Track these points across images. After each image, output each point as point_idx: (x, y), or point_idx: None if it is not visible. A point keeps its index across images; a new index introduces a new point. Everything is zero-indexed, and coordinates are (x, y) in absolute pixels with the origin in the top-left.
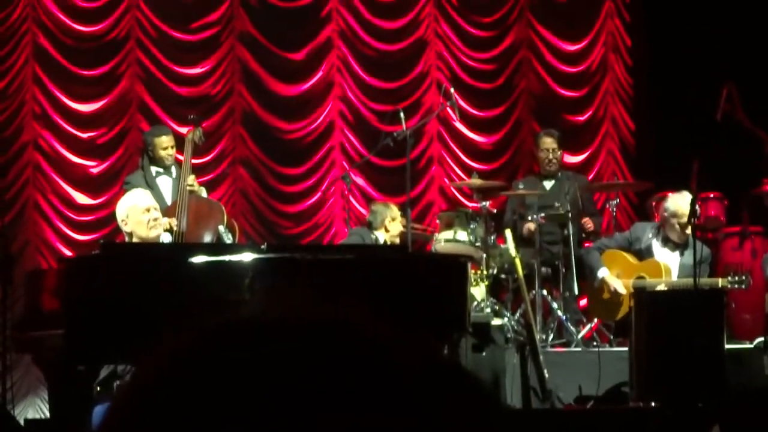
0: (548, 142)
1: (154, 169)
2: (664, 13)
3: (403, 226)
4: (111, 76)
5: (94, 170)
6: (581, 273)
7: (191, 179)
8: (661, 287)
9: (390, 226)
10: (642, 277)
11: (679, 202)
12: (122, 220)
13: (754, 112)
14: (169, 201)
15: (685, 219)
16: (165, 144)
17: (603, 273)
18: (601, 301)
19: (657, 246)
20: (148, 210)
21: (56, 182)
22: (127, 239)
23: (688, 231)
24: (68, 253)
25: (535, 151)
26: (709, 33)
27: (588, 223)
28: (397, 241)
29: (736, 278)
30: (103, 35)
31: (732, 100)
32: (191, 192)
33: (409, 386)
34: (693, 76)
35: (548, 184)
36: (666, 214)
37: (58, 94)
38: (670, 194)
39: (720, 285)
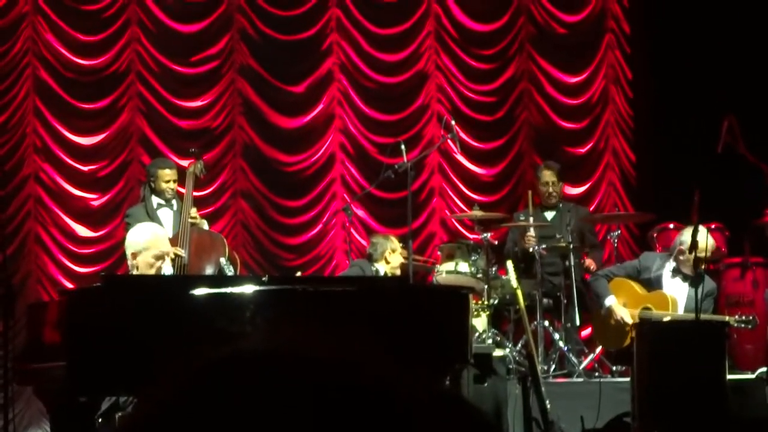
0: (548, 175)
1: (155, 201)
2: (664, 45)
3: (404, 258)
4: (112, 109)
5: (95, 203)
6: (583, 302)
7: (193, 212)
8: (667, 319)
9: (390, 257)
10: (648, 308)
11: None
12: (132, 254)
13: (756, 143)
14: (170, 233)
15: (702, 253)
16: (168, 177)
17: (610, 301)
18: (607, 329)
19: (667, 276)
20: (162, 258)
21: (57, 215)
22: (129, 269)
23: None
24: (69, 285)
25: (535, 183)
26: (710, 65)
27: (591, 264)
28: (398, 272)
29: (743, 318)
30: (103, 68)
31: (733, 131)
32: (193, 224)
33: (411, 419)
34: (694, 107)
35: (549, 216)
36: (682, 246)
37: (59, 128)
38: (686, 228)
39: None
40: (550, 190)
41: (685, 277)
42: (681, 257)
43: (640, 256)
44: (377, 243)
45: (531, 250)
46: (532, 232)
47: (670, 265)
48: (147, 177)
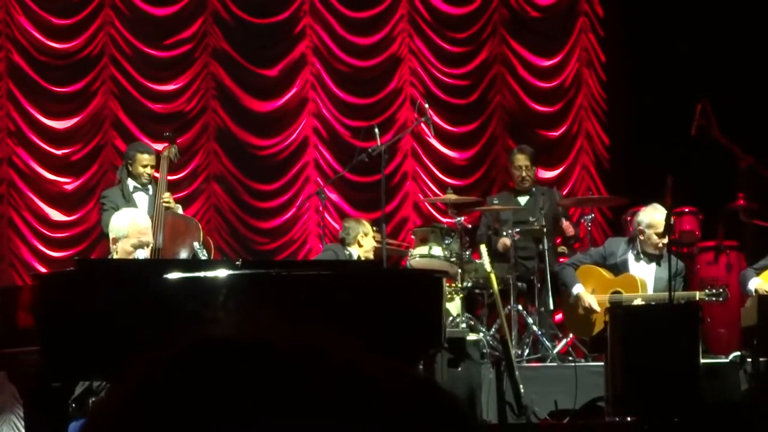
0: (521, 159)
1: (131, 184)
2: (638, 28)
3: (377, 242)
4: (85, 92)
5: (69, 187)
6: (556, 287)
7: (167, 196)
8: (638, 301)
9: (363, 241)
10: (618, 292)
11: (653, 214)
12: (113, 238)
13: (729, 128)
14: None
15: (660, 229)
16: (145, 161)
17: (578, 289)
18: (576, 317)
19: (632, 260)
20: (141, 247)
21: (30, 199)
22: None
23: (665, 241)
24: (43, 269)
25: (509, 167)
26: (684, 48)
27: (569, 228)
28: (371, 256)
29: (714, 291)
30: (76, 52)
31: (706, 115)
32: (167, 208)
33: (383, 404)
34: (667, 91)
35: (523, 200)
36: (641, 227)
37: (32, 111)
38: (642, 208)
39: (697, 298)
40: (524, 174)
41: (650, 258)
42: (642, 237)
43: (605, 243)
44: (349, 227)
45: (504, 233)
46: (506, 240)
47: (635, 249)
48: (125, 159)
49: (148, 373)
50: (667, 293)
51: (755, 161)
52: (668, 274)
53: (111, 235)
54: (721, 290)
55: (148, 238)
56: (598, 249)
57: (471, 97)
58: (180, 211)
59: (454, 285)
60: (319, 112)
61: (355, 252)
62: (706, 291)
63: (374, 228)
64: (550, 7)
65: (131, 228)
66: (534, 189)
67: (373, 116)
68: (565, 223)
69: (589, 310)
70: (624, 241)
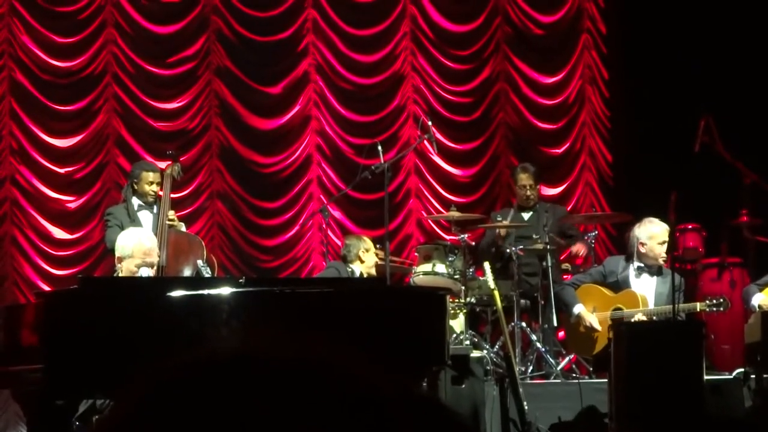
0: (524, 178)
1: (136, 203)
2: (641, 44)
3: (379, 258)
4: (88, 111)
5: (72, 205)
6: (560, 306)
7: (171, 214)
8: (639, 317)
9: (364, 257)
10: (619, 309)
11: (650, 227)
12: (118, 257)
13: (732, 144)
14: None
15: (661, 238)
16: (151, 179)
17: (578, 309)
18: (578, 336)
19: (633, 276)
20: (143, 265)
21: (34, 217)
22: (115, 270)
23: (663, 254)
24: (46, 287)
25: (512, 185)
26: (687, 65)
27: (581, 249)
28: (373, 272)
29: (714, 301)
30: (79, 71)
31: (710, 131)
32: (171, 226)
33: (386, 421)
34: (670, 107)
35: (526, 216)
36: (641, 240)
37: (36, 130)
38: (636, 225)
39: (698, 309)
40: (528, 193)
41: (650, 272)
42: (642, 250)
43: (604, 262)
44: (350, 244)
45: (508, 251)
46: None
47: (634, 264)
48: (130, 178)
49: (151, 391)
50: (667, 306)
51: (759, 178)
52: (671, 289)
53: (116, 254)
54: (721, 300)
55: (153, 258)
56: (598, 268)
57: (474, 114)
58: (183, 228)
59: (457, 301)
60: (322, 130)
61: (357, 268)
62: (707, 302)
63: (377, 245)
64: (552, 25)
65: (136, 248)
66: (537, 206)
67: (376, 134)
68: (576, 246)
69: (591, 329)
70: (622, 259)
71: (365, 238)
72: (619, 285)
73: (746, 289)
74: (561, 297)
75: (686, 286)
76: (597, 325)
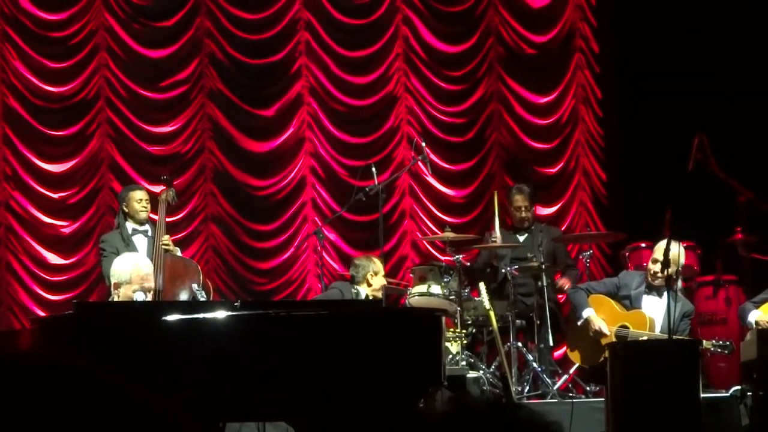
0: (519, 200)
1: (130, 227)
2: (633, 63)
3: (388, 282)
4: (81, 135)
5: (66, 230)
6: (556, 323)
7: (166, 238)
8: (643, 338)
9: (372, 280)
10: (625, 327)
11: (655, 246)
12: (114, 283)
13: (726, 162)
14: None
15: (655, 255)
16: (139, 197)
17: (588, 313)
18: (583, 342)
19: (645, 294)
20: (140, 290)
21: (28, 243)
22: (111, 296)
23: (656, 268)
24: (41, 313)
25: (507, 207)
26: (680, 83)
27: (566, 284)
28: (380, 295)
29: (720, 343)
30: (72, 95)
31: (704, 149)
32: (166, 251)
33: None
34: (664, 126)
35: (521, 237)
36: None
37: (29, 155)
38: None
39: (704, 346)
40: (523, 214)
41: (658, 292)
42: (648, 267)
43: (620, 274)
44: (360, 265)
45: (503, 270)
46: (497, 236)
47: (645, 283)
48: (120, 203)
49: None
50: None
51: (754, 196)
52: (669, 308)
53: (113, 280)
54: (728, 343)
55: (151, 284)
56: (612, 279)
57: (468, 134)
58: (179, 253)
59: (456, 331)
60: (316, 152)
61: (363, 291)
62: (713, 342)
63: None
64: (545, 44)
65: (134, 274)
66: (533, 226)
67: (370, 155)
68: (562, 280)
69: (598, 334)
70: (639, 275)
71: (375, 259)
72: (632, 301)
73: (742, 306)
74: (571, 299)
75: (694, 316)
76: (606, 330)
